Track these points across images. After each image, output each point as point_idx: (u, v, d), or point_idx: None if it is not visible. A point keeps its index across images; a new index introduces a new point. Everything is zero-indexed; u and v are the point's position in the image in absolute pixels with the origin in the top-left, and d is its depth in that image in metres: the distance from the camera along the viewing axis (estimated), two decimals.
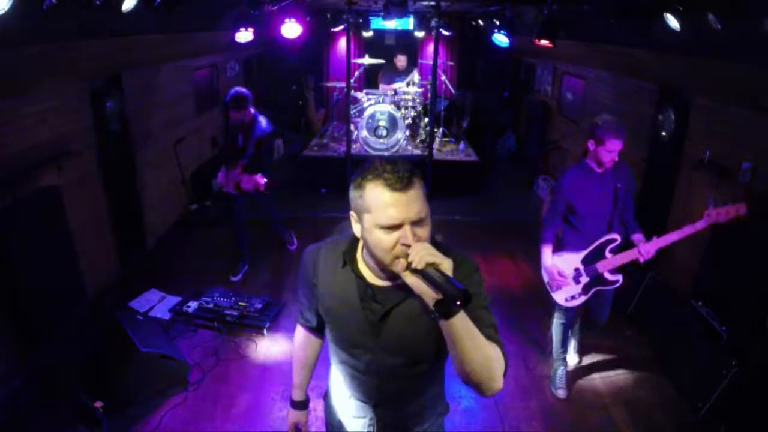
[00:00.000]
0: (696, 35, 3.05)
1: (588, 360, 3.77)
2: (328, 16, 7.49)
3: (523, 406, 3.31)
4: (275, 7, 4.92)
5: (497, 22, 5.86)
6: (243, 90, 4.23)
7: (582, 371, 3.65)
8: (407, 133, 7.31)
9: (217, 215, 5.92)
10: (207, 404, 3.21)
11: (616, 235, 3.02)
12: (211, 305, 4.02)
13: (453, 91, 8.31)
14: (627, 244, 3.03)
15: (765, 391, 2.92)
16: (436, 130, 7.55)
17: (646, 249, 2.90)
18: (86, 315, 3.83)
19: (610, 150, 2.80)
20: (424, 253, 1.19)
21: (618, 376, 3.60)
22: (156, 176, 5.22)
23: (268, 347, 3.77)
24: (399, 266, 1.26)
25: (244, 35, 4.60)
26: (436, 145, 7.36)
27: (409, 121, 7.45)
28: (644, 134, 4.75)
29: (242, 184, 4.32)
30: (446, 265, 1.20)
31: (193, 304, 4.05)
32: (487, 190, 7.25)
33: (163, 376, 3.24)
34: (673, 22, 3.06)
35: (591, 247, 3.06)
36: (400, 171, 1.25)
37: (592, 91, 6.13)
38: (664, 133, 4.40)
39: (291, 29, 5.20)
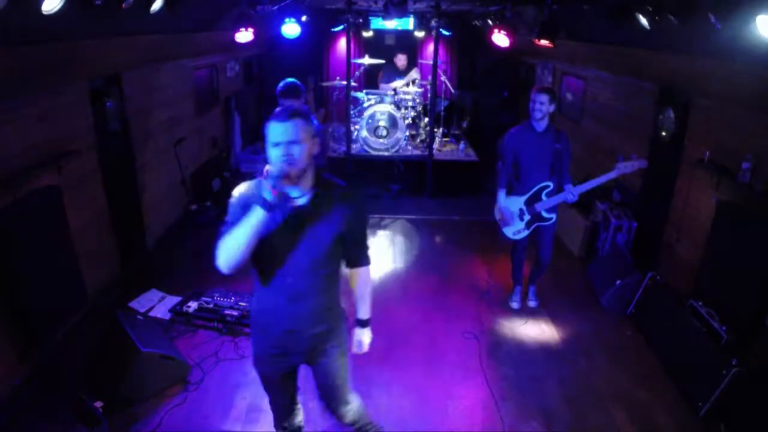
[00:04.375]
0: (696, 35, 3.05)
1: (588, 360, 3.77)
2: (328, 16, 7.49)
3: (523, 405, 3.31)
4: (275, 7, 4.92)
5: (497, 22, 5.86)
6: (295, 80, 3.94)
7: (582, 371, 3.65)
8: (407, 133, 7.31)
9: (217, 215, 5.92)
10: (207, 404, 3.21)
11: (549, 182, 3.86)
12: (211, 305, 4.02)
13: (453, 91, 8.31)
14: (561, 191, 3.85)
15: (765, 391, 2.92)
16: (436, 130, 7.55)
17: (570, 193, 3.74)
18: (86, 315, 3.83)
19: (533, 100, 3.75)
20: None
21: (618, 376, 3.60)
22: (156, 176, 5.22)
23: None
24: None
25: (244, 35, 4.61)
26: (436, 145, 7.36)
27: (409, 121, 7.46)
28: (644, 134, 4.75)
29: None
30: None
31: (193, 304, 4.05)
32: (487, 190, 7.26)
33: (163, 376, 3.24)
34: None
35: (531, 192, 3.89)
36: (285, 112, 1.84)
37: (592, 91, 6.13)
38: (664, 133, 4.40)
39: (291, 29, 5.20)
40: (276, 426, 2.44)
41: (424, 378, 3.53)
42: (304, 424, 2.52)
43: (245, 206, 1.88)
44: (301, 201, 1.94)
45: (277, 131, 1.82)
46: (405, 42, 8.99)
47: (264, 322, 2.12)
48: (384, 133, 7.04)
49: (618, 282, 4.31)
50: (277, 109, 1.89)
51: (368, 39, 9.02)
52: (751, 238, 3.37)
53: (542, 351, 3.87)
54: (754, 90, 3.23)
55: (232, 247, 1.87)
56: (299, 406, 2.45)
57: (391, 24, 7.71)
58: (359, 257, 2.15)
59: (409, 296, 4.59)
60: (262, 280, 2.03)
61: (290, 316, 2.02)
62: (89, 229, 4.00)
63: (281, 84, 3.81)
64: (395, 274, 5.01)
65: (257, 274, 2.04)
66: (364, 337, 2.31)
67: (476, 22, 7.22)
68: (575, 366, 3.70)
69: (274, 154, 1.83)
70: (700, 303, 3.60)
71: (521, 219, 3.98)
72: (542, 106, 3.73)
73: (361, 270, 2.18)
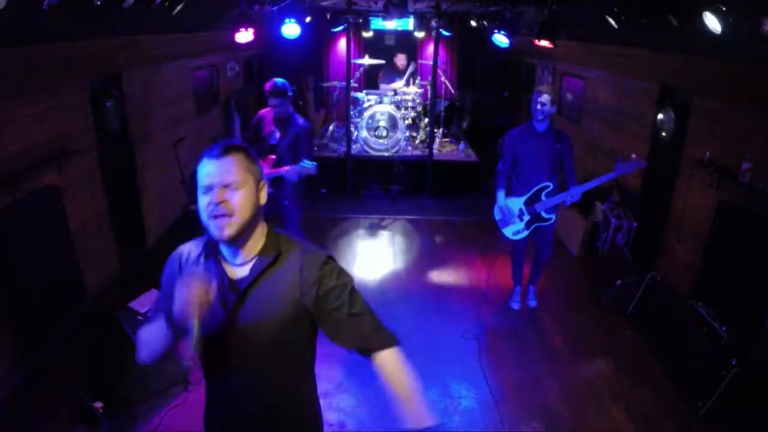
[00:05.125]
0: (696, 35, 3.05)
1: (588, 360, 3.77)
2: (328, 16, 7.49)
3: (523, 405, 3.31)
4: (275, 7, 4.92)
5: (497, 23, 5.85)
6: (284, 80, 3.98)
7: (582, 371, 3.65)
8: (407, 133, 7.31)
9: None
10: None
11: (548, 183, 3.85)
12: None
13: (453, 91, 8.30)
14: (564, 191, 3.79)
15: (765, 391, 2.92)
16: (436, 130, 7.55)
17: (571, 193, 3.70)
18: (86, 315, 3.83)
19: (534, 101, 3.77)
20: None
21: (618, 376, 3.60)
22: (156, 176, 5.21)
23: None
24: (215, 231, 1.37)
25: (244, 35, 4.60)
26: (436, 145, 7.36)
27: (409, 121, 7.46)
28: (644, 134, 4.75)
29: (287, 176, 3.87)
30: None
31: None
32: (487, 190, 7.25)
33: (163, 376, 3.24)
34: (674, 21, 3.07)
35: (530, 192, 3.89)
36: (218, 146, 1.39)
37: (592, 91, 6.13)
38: (664, 133, 4.40)
39: (291, 29, 5.20)
40: None
41: (424, 378, 3.52)
42: None
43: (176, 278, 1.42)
44: (241, 272, 1.45)
45: (208, 171, 1.36)
46: (405, 42, 8.98)
47: (207, 414, 1.65)
48: (384, 133, 7.04)
49: (618, 282, 4.31)
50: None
51: (368, 39, 9.02)
52: (751, 238, 3.37)
53: (542, 351, 3.87)
54: (754, 90, 3.23)
55: (145, 344, 1.49)
56: None
57: (391, 24, 7.70)
58: (369, 340, 1.49)
59: (409, 296, 4.59)
60: (203, 373, 1.59)
61: (230, 419, 1.54)
62: (89, 229, 3.99)
63: (269, 83, 3.87)
64: (395, 274, 5.01)
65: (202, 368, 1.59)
66: None
67: (476, 22, 7.22)
68: (575, 366, 3.71)
69: (203, 202, 1.36)
70: (700, 303, 3.60)
71: (521, 219, 3.99)
72: (544, 107, 3.76)
73: (383, 356, 1.49)
